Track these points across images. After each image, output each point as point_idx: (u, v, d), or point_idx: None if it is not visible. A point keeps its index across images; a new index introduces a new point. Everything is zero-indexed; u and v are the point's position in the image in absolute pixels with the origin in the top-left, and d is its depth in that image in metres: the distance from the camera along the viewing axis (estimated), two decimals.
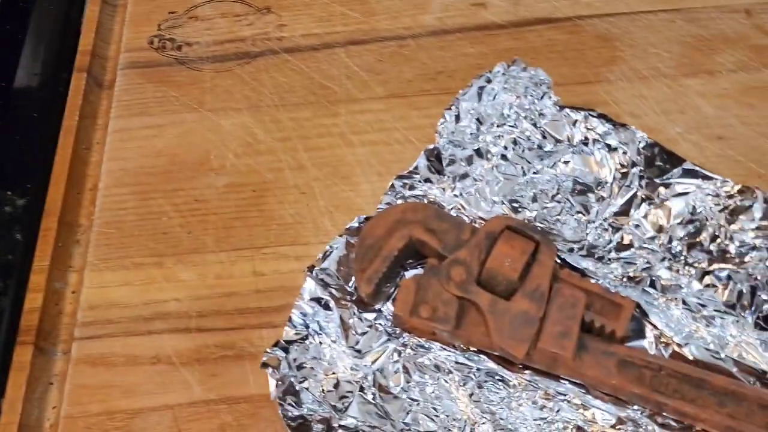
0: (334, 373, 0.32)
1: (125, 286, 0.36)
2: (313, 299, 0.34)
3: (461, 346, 0.33)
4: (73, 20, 0.52)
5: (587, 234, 0.35)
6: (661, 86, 0.43)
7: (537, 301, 0.33)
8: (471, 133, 0.38)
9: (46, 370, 0.35)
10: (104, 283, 0.36)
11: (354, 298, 0.34)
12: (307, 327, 0.33)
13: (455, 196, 0.37)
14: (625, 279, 0.34)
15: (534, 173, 0.37)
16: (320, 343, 0.33)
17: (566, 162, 0.37)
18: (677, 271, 0.34)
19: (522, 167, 0.37)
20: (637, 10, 0.46)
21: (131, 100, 0.43)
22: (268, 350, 0.32)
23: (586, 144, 0.37)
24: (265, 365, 0.32)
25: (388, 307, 0.34)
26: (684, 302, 0.33)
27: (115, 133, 0.42)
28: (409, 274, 0.36)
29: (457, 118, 0.39)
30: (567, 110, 0.38)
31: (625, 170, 0.36)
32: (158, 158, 0.41)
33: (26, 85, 0.48)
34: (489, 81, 0.40)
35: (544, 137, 0.38)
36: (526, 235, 0.34)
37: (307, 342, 0.33)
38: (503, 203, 0.36)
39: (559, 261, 0.34)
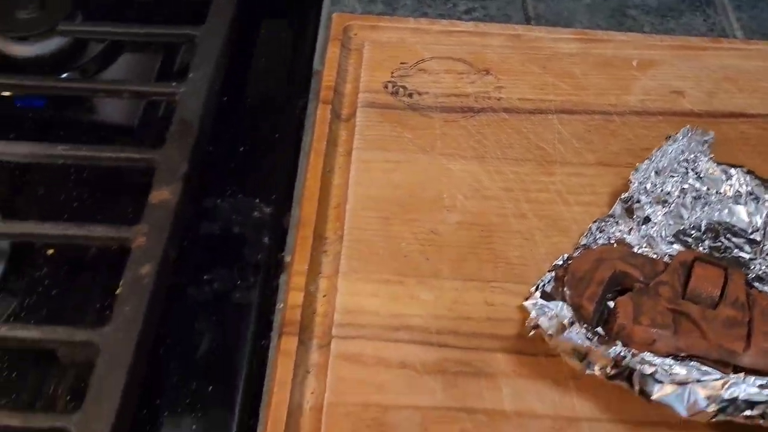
0: None
1: (374, 297, 0.42)
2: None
3: (679, 353, 0.37)
4: (301, 50, 0.59)
5: (751, 269, 0.42)
6: None
7: (740, 309, 0.38)
8: (652, 183, 0.45)
9: (304, 360, 0.40)
10: (356, 292, 0.42)
11: None
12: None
13: (642, 237, 0.43)
14: None
15: (696, 218, 0.43)
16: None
17: (723, 210, 0.43)
18: None
19: (688, 213, 0.44)
20: None
21: (371, 135, 0.49)
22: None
23: (739, 196, 0.44)
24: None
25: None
26: None
27: (360, 163, 0.48)
28: None
29: (645, 170, 0.46)
30: (724, 166, 0.45)
31: None
32: (397, 190, 0.46)
33: (264, 106, 0.55)
34: (675, 141, 0.47)
35: (708, 189, 0.44)
36: (714, 263, 0.40)
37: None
38: (676, 243, 0.43)
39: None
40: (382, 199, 0.46)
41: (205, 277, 0.45)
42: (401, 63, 0.54)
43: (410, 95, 0.52)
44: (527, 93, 0.52)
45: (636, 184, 0.45)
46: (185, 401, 0.40)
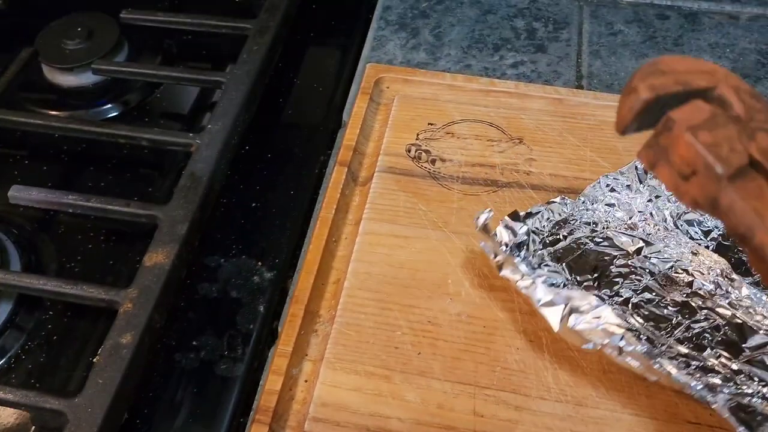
0: None
1: (355, 392, 0.39)
2: None
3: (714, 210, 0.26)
4: (333, 101, 0.56)
5: None
6: None
7: None
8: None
9: None
10: (337, 383, 0.40)
11: None
12: None
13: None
14: None
15: None
16: None
17: None
18: None
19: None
20: None
21: (384, 206, 0.46)
22: None
23: None
24: None
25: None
26: None
27: (366, 235, 0.45)
28: None
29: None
30: None
31: None
32: (400, 270, 0.44)
33: (286, 159, 0.53)
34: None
35: None
36: None
37: None
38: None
39: None
40: (383, 279, 0.43)
41: (193, 342, 0.44)
42: (429, 124, 0.51)
43: (432, 161, 0.49)
44: (560, 168, 0.48)
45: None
46: None
